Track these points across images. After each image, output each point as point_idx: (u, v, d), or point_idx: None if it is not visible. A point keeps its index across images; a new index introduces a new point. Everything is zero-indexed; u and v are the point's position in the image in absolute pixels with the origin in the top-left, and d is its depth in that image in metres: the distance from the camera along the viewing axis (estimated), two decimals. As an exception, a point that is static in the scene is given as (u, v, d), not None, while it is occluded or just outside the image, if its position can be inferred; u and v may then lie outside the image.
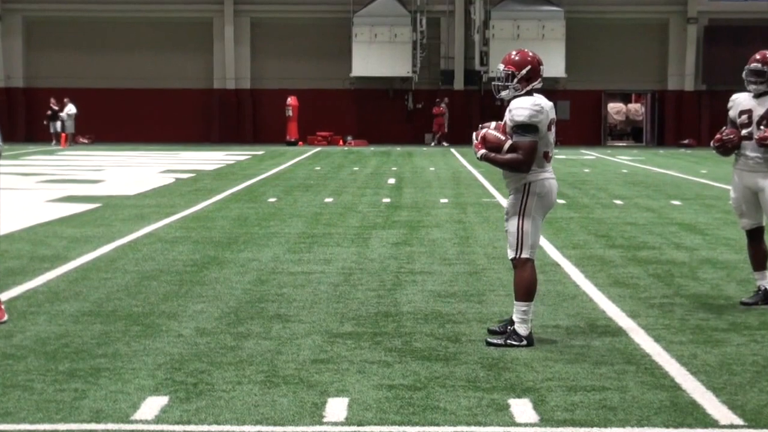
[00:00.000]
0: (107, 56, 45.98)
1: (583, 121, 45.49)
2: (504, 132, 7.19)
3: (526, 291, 7.20)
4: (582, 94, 45.40)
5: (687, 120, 45.36)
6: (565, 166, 28.28)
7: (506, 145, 7.12)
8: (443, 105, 44.34)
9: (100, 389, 6.03)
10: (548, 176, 7.24)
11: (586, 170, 26.91)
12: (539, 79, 7.29)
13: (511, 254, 7.27)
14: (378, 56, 44.05)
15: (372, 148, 40.23)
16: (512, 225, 7.23)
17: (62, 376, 6.33)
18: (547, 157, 7.22)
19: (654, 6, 45.45)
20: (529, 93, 7.23)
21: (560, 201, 17.71)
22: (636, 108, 48.94)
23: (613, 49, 45.33)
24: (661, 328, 7.81)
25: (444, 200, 18.11)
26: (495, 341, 7.18)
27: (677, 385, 6.22)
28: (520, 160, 7.09)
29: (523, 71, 7.21)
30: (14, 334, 7.45)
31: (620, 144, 46.52)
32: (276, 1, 45.72)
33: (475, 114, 43.66)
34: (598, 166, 29.40)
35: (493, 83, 7.47)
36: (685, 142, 44.17)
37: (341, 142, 43.59)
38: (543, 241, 12.31)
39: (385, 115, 45.58)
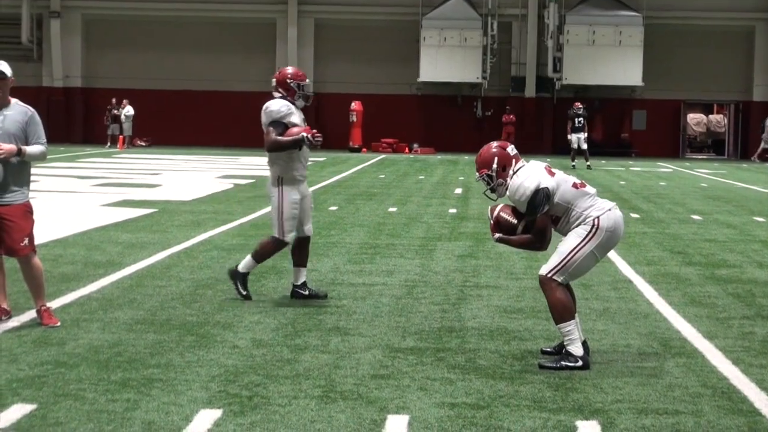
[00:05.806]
0: (167, 57, 45.77)
1: (660, 133, 44.39)
2: (514, 214, 7.10)
3: (561, 312, 6.94)
4: (660, 103, 44.32)
5: (774, 132, 43.92)
6: (640, 179, 27.63)
7: (520, 227, 7.07)
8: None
9: (153, 400, 5.99)
10: (609, 206, 7.04)
11: (662, 183, 26.27)
12: (513, 162, 7.04)
13: (543, 270, 7.01)
14: (447, 61, 43.34)
15: (439, 156, 40.11)
16: (566, 245, 6.98)
17: (114, 385, 6.29)
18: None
19: (739, 12, 44.20)
20: (515, 172, 7.05)
21: (634, 215, 17.41)
22: (718, 119, 47.91)
23: (694, 57, 44.13)
24: (741, 350, 7.58)
25: (512, 211, 17.78)
26: (549, 365, 6.94)
27: (756, 410, 6.02)
28: (531, 240, 7.05)
29: (494, 165, 7.07)
30: (67, 342, 7.42)
31: (700, 156, 45.36)
32: (341, 2, 45.19)
33: (546, 123, 43.02)
34: (675, 179, 28.64)
35: (484, 193, 7.31)
36: None
37: (407, 150, 43.24)
38: (615, 257, 12.06)
39: (452, 122, 45.05)
